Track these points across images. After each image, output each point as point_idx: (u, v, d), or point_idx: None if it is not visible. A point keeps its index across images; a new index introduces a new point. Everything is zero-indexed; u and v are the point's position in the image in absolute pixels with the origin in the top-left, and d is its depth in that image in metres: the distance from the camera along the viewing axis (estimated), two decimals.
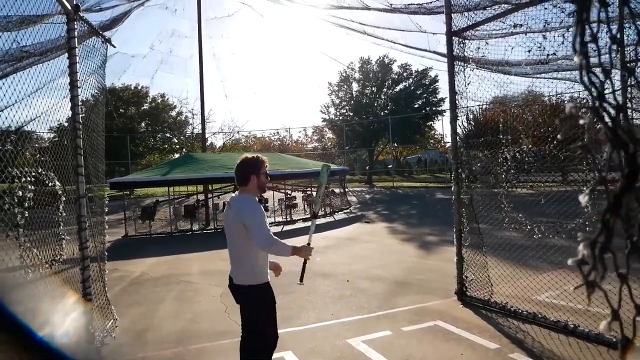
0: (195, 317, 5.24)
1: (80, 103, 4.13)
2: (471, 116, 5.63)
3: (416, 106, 36.67)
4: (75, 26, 4.07)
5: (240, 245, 2.91)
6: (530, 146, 5.01)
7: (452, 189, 5.48)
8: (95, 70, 4.95)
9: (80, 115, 4.14)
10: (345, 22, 11.25)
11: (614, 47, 0.56)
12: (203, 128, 17.39)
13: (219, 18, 47.81)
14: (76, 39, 4.08)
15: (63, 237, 3.93)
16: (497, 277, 5.11)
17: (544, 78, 5.52)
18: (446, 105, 32.53)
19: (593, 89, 0.51)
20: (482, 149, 5.31)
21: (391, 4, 8.41)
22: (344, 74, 38.47)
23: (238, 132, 45.21)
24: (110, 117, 26.60)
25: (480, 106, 5.60)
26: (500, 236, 6.09)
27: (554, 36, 4.50)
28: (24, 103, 3.37)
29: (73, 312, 3.63)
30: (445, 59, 5.46)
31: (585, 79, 0.50)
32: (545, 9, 4.44)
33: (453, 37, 5.26)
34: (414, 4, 7.25)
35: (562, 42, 4.43)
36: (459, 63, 5.26)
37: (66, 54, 4.08)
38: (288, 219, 14.09)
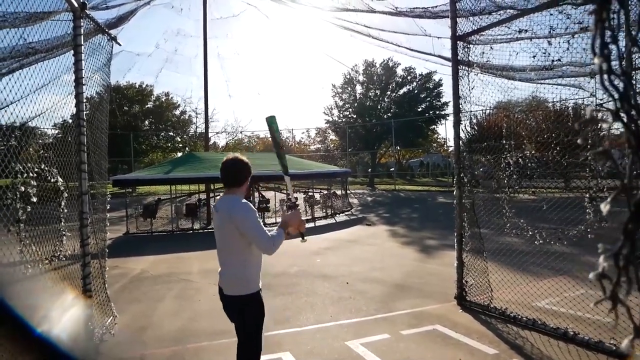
0: (195, 316, 5.24)
1: (84, 100, 4.15)
2: (474, 121, 5.62)
3: (420, 110, 36.62)
4: (82, 24, 4.10)
5: (232, 249, 2.73)
6: (533, 152, 5.00)
7: (454, 193, 5.47)
8: (101, 68, 4.97)
9: (85, 113, 4.16)
10: (350, 25, 11.26)
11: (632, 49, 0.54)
12: (206, 127, 17.42)
13: (224, 18, 48.01)
14: (82, 36, 4.10)
15: (64, 233, 3.94)
16: (497, 283, 5.09)
17: (548, 84, 5.51)
18: (450, 110, 32.40)
19: (615, 92, 0.48)
20: (485, 154, 5.30)
21: (396, 7, 8.42)
22: (348, 76, 38.48)
23: (241, 132, 45.40)
24: (114, 114, 26.66)
25: (484, 111, 5.59)
26: (501, 241, 6.07)
27: (559, 42, 4.49)
28: (29, 99, 3.39)
29: (73, 308, 3.64)
30: (450, 63, 5.45)
31: (607, 82, 0.48)
32: (551, 14, 4.43)
33: (458, 42, 5.26)
34: (419, 8, 7.26)
35: (567, 48, 4.42)
36: (464, 67, 5.26)
37: (72, 51, 4.10)
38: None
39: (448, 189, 24.37)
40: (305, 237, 3.06)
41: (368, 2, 8.91)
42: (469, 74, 5.24)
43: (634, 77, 3.50)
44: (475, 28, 5.09)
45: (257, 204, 13.58)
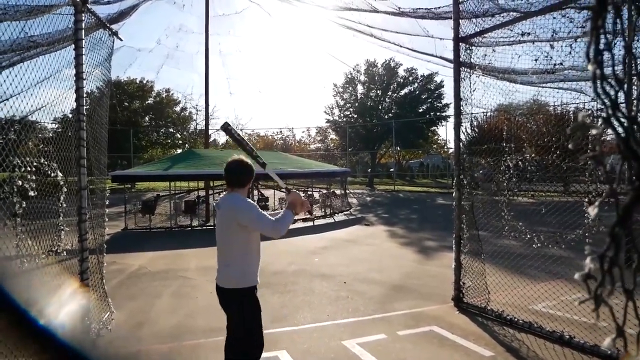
0: (192, 312, 5.24)
1: (85, 95, 4.14)
2: (475, 123, 5.63)
3: (420, 111, 36.63)
4: (83, 18, 4.08)
5: (231, 244, 2.86)
6: (533, 155, 5.00)
7: (453, 194, 5.47)
8: (101, 63, 4.96)
9: (85, 107, 4.15)
10: (352, 24, 11.26)
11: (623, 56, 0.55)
12: (206, 124, 17.39)
13: (227, 15, 47.92)
14: (83, 30, 4.09)
15: (62, 228, 3.93)
16: (494, 285, 5.09)
17: (550, 87, 5.51)
18: (451, 111, 32.43)
19: (606, 99, 0.50)
20: (485, 156, 5.30)
21: (399, 8, 8.41)
22: (349, 76, 38.47)
23: (241, 130, 45.30)
24: (114, 110, 26.65)
25: (485, 113, 5.59)
26: (500, 244, 6.07)
27: (562, 46, 4.49)
28: (30, 93, 3.38)
29: (69, 303, 3.63)
30: (452, 65, 5.45)
31: (599, 88, 0.49)
32: (554, 18, 4.43)
33: (460, 43, 5.26)
34: (422, 9, 7.26)
35: (570, 52, 4.43)
36: (465, 69, 5.26)
37: (73, 46, 4.09)
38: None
39: (447, 191, 24.38)
40: (313, 213, 3.18)
41: (371, 1, 8.91)
42: (470, 75, 5.23)
43: (633, 84, 3.50)
44: (478, 30, 5.08)
45: (256, 202, 13.56)
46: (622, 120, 0.50)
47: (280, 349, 4.11)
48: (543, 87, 5.57)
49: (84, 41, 4.10)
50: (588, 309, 0.51)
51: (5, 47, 4.43)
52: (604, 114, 0.51)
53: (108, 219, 5.27)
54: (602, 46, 0.50)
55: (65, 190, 3.96)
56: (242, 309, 2.84)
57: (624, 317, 0.49)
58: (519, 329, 4.52)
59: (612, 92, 0.51)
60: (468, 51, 5.25)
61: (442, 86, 36.24)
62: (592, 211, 0.55)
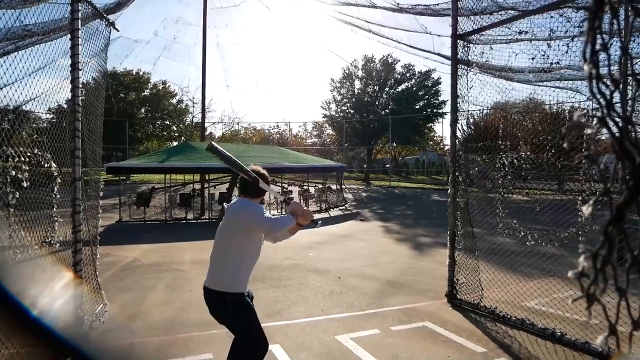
0: (185, 305, 5.24)
1: (80, 85, 4.10)
2: (471, 120, 5.64)
3: (417, 107, 36.62)
4: (79, 7, 4.03)
5: (230, 248, 2.85)
6: (528, 153, 5.02)
7: (449, 191, 5.49)
8: (97, 53, 4.91)
9: (80, 98, 4.11)
10: (351, 19, 11.22)
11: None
12: (203, 117, 17.32)
13: (225, 7, 47.62)
14: (79, 20, 4.04)
15: (56, 219, 3.91)
16: (487, 282, 5.13)
17: (546, 86, 5.53)
18: (447, 108, 32.52)
19: (601, 99, 0.50)
20: (481, 154, 5.32)
21: (398, 4, 8.39)
22: (347, 71, 38.36)
23: (238, 123, 45.18)
24: (109, 101, 26.46)
25: (481, 111, 5.60)
26: (494, 241, 6.11)
27: (559, 45, 4.51)
28: (24, 82, 3.35)
29: (62, 295, 3.62)
30: (449, 62, 5.45)
31: (595, 88, 0.50)
32: (552, 17, 4.44)
33: (458, 40, 5.25)
34: (421, 5, 7.24)
35: (567, 52, 4.44)
36: (463, 66, 5.26)
37: (69, 35, 4.05)
38: (285, 214, 14.07)
39: (443, 187, 24.45)
40: (318, 221, 3.25)
41: None
42: (467, 73, 5.24)
43: (628, 84, 3.51)
44: (476, 27, 5.08)
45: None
46: (617, 120, 0.50)
47: (273, 343, 4.12)
48: (539, 85, 5.59)
49: (80, 31, 4.05)
50: (580, 307, 0.52)
51: (0, 35, 4.38)
52: (599, 114, 0.51)
53: (102, 210, 5.24)
54: (598, 46, 0.50)
55: (59, 181, 3.94)
56: (236, 316, 2.82)
57: (617, 315, 0.50)
58: (511, 325, 4.56)
59: (607, 92, 0.51)
60: (466, 48, 5.25)
61: (439, 83, 36.25)
62: (586, 210, 0.55)
